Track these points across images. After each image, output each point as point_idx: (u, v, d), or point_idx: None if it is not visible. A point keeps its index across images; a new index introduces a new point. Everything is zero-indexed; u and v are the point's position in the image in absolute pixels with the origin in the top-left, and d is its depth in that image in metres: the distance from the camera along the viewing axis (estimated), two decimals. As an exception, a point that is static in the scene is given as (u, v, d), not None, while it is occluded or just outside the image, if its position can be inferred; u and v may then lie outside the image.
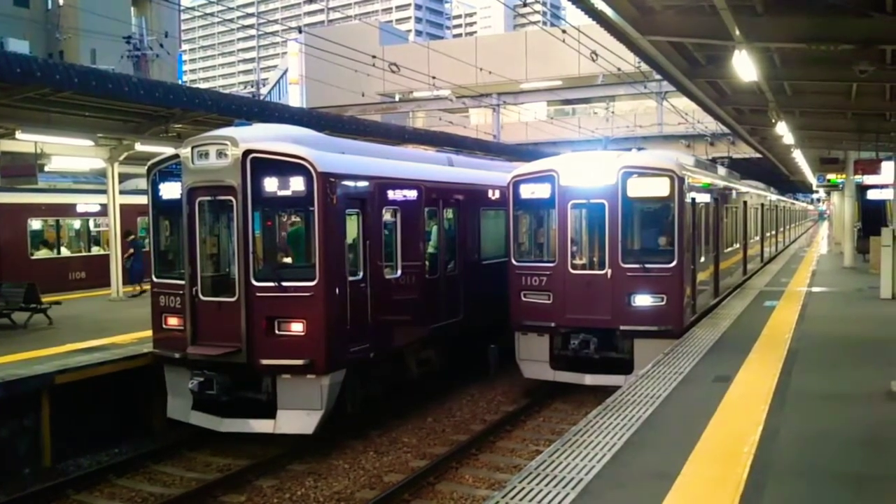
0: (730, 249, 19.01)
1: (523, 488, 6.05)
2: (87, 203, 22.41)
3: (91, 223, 22.94)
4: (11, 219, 20.13)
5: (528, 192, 13.45)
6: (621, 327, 12.61)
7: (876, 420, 7.88)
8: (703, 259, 14.92)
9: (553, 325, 13.03)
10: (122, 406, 11.74)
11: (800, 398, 8.65)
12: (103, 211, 20.50)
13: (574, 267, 13.02)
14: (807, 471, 6.39)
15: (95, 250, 22.70)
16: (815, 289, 19.47)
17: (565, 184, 13.03)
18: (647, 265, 12.62)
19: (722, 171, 21.01)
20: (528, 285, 13.23)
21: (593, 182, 12.85)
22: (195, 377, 10.60)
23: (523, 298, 13.29)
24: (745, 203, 22.08)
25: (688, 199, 13.19)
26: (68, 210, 22.09)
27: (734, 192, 20.15)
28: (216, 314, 10.65)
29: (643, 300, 12.58)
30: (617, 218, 12.65)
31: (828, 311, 15.72)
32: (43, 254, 21.39)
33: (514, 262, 13.53)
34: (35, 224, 21.35)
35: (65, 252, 22.03)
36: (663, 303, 12.56)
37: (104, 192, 19.49)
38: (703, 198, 15.09)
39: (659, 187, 12.72)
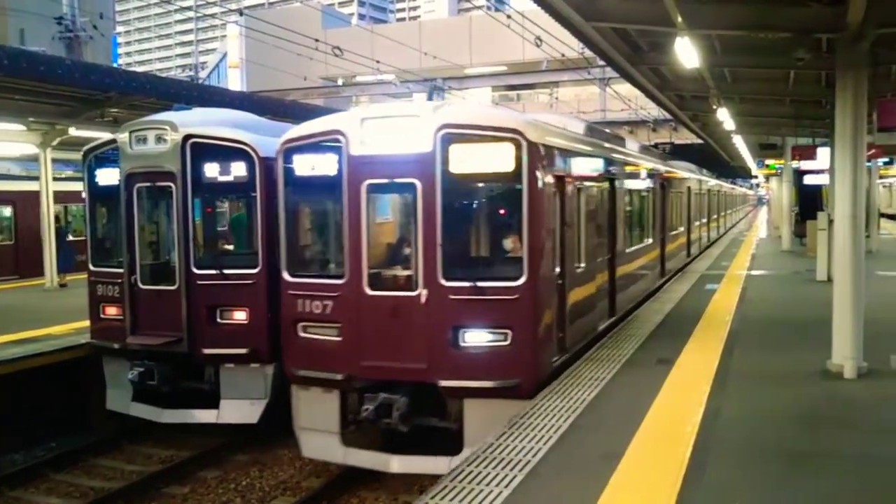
0: (636, 248, 14.57)
1: (472, 471, 6.06)
2: None
3: None
4: (30, 206, 20.31)
5: (305, 166, 8.95)
6: (441, 382, 8.25)
7: (813, 398, 8.12)
8: (582, 267, 10.37)
9: (341, 376, 8.63)
10: (59, 399, 11.39)
11: (740, 379, 8.84)
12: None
13: (373, 285, 8.56)
14: (747, 449, 6.52)
15: None
16: (755, 272, 19.92)
17: (357, 153, 8.48)
18: (482, 283, 8.26)
19: (632, 145, 16.59)
20: (308, 313, 8.85)
21: (399, 149, 8.38)
22: (135, 367, 10.42)
23: (301, 333, 8.97)
24: (663, 187, 17.86)
25: (549, 179, 8.73)
26: (76, 197, 21.79)
27: (645, 172, 15.79)
28: (156, 303, 10.44)
29: (475, 338, 8.30)
30: (434, 207, 8.24)
31: (767, 293, 16.11)
32: None
33: (286, 276, 9.06)
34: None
35: (71, 238, 21.80)
36: (506, 342, 8.27)
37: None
38: (587, 178, 10.79)
39: (498, 158, 8.23)
